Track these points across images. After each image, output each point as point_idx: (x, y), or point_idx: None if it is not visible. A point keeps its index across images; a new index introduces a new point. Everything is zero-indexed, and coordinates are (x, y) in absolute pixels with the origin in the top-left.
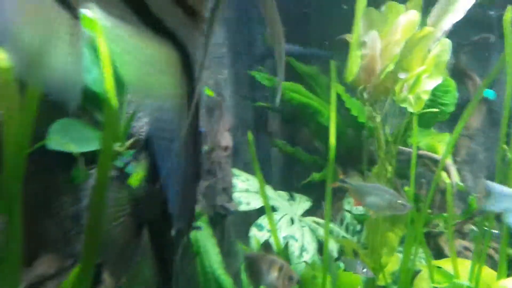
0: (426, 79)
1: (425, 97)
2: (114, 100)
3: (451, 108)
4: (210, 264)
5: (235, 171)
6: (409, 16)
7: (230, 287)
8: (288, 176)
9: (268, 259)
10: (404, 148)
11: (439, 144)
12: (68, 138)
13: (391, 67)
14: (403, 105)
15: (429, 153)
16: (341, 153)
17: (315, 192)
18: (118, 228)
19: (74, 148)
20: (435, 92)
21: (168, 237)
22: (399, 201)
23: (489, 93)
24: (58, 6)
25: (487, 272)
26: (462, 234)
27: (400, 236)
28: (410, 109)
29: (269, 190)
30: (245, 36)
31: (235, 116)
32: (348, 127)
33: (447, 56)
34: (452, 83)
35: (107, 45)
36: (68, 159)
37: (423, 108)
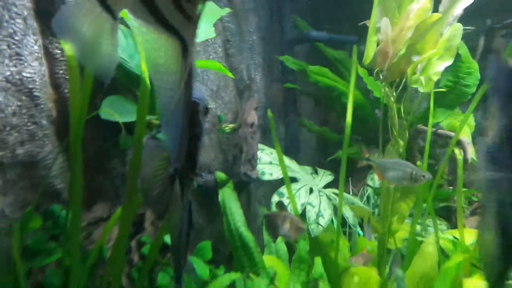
0: (437, 62)
1: (436, 78)
2: (147, 80)
3: (473, 89)
4: (234, 222)
5: (262, 146)
6: (421, 3)
7: (251, 242)
8: (316, 154)
9: (281, 215)
10: (424, 127)
11: (462, 124)
12: (115, 111)
13: (403, 51)
14: (415, 86)
15: (448, 132)
16: (367, 133)
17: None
18: (156, 180)
19: (119, 118)
20: (458, 74)
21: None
22: (419, 173)
23: None
24: (104, 11)
25: None
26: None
27: (411, 206)
28: (421, 90)
29: (293, 164)
30: (276, 24)
31: (267, 98)
32: (374, 108)
33: (457, 40)
34: (475, 65)
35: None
36: (116, 129)
37: (449, 87)
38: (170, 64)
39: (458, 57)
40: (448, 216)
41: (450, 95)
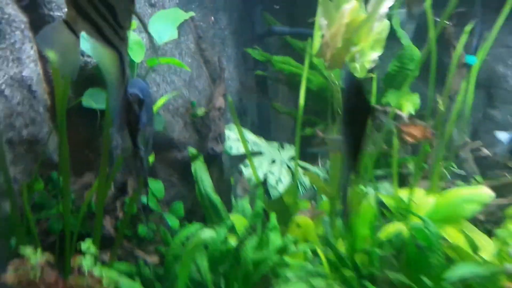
0: (369, 51)
1: (368, 65)
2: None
3: (416, 73)
4: (204, 188)
5: (232, 126)
6: (352, 5)
7: (218, 203)
8: (287, 132)
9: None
10: (378, 106)
11: (406, 102)
12: (94, 100)
13: (340, 43)
14: (353, 71)
15: (396, 110)
16: (326, 113)
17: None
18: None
19: (94, 105)
20: (402, 60)
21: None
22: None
23: (470, 59)
24: (70, 33)
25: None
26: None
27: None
28: (357, 75)
29: (261, 140)
30: (247, 20)
31: (241, 85)
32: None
33: (385, 34)
34: (417, 52)
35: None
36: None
37: (395, 72)
38: (113, 68)
39: (402, 45)
40: (402, 180)
41: (397, 78)
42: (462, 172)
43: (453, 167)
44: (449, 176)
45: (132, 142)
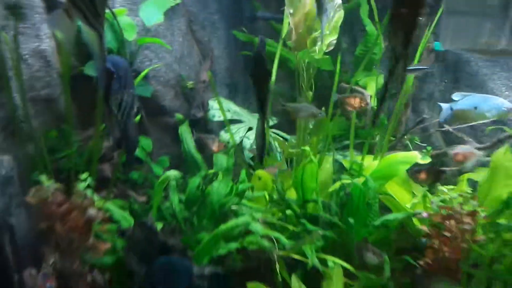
0: (327, 37)
1: (325, 48)
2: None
3: (379, 55)
4: (187, 146)
5: (218, 97)
6: None
7: (199, 159)
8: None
9: (208, 138)
10: (345, 84)
11: (370, 82)
12: (92, 69)
13: (302, 29)
14: (313, 54)
15: (361, 89)
16: None
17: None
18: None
19: (93, 73)
20: (367, 45)
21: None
22: (316, 111)
23: (437, 45)
24: (68, 18)
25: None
26: (403, 146)
27: (320, 139)
28: (316, 56)
29: (243, 111)
30: (236, 5)
31: (231, 63)
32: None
33: (339, 22)
34: (380, 38)
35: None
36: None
37: (361, 55)
38: (95, 44)
39: (366, 32)
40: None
41: (363, 61)
42: (423, 144)
43: (416, 141)
44: (411, 147)
45: (105, 104)
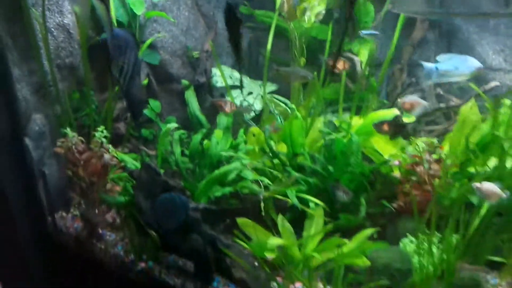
0: (316, 7)
1: (314, 18)
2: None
3: (370, 24)
4: (193, 109)
5: (220, 65)
6: None
7: (203, 120)
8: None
9: (221, 100)
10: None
11: (363, 50)
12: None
13: (292, 1)
14: (303, 24)
15: (353, 56)
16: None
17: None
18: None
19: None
20: (360, 15)
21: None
22: (306, 73)
23: None
24: None
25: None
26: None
27: (313, 102)
28: (305, 25)
29: (245, 78)
30: None
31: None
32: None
33: None
34: (371, 8)
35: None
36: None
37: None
38: (104, 15)
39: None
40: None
41: (357, 29)
42: None
43: None
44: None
45: (109, 71)
